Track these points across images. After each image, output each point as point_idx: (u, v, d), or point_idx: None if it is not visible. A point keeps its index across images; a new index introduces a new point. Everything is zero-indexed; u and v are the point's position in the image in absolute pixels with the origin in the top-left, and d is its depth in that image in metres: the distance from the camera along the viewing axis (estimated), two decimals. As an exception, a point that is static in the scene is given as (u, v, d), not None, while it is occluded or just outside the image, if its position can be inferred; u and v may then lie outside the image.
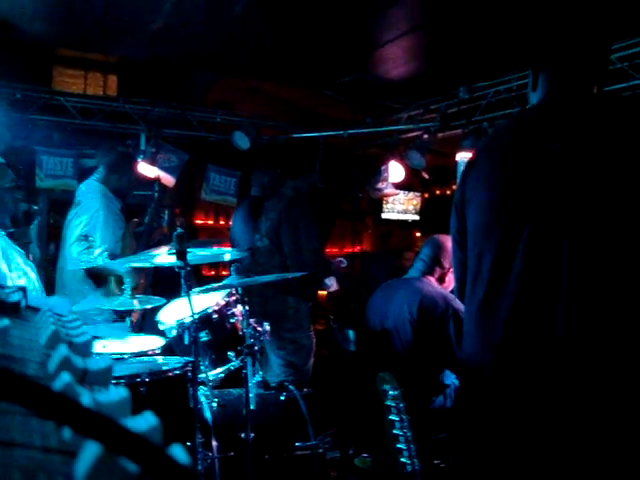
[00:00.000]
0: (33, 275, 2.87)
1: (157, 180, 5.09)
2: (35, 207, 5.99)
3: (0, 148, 4.76)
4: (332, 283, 4.45)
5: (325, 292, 4.53)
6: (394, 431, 1.98)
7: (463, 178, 1.98)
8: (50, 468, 0.39)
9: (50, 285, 4.74)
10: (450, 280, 3.33)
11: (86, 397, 0.48)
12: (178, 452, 0.38)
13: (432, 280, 3.35)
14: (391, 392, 2.00)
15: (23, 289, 1.17)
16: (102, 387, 0.62)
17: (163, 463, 0.36)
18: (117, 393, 0.52)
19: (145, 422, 0.43)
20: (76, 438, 0.45)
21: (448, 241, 3.36)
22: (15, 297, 1.10)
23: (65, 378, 0.53)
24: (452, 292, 3.31)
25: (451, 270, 3.31)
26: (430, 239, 3.48)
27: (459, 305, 3.09)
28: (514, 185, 1.79)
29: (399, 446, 1.98)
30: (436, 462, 3.07)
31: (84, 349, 0.78)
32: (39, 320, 1.00)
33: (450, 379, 3.33)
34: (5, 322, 0.70)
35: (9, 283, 2.57)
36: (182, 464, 0.36)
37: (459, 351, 2.04)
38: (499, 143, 1.96)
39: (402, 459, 1.99)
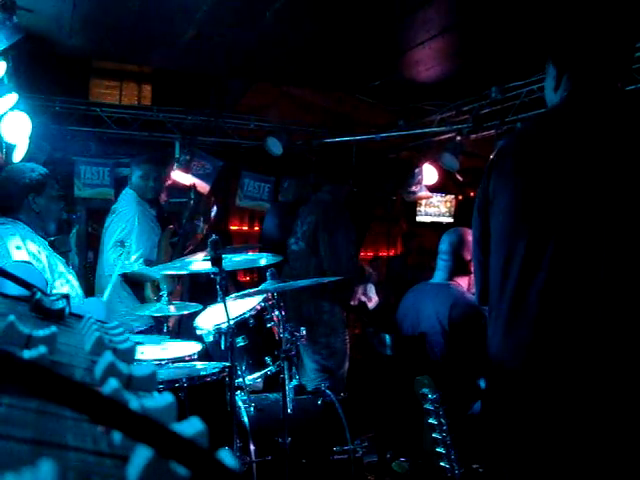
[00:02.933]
0: (75, 282, 2.92)
1: (193, 187, 5.14)
2: (74, 216, 6.13)
3: (41, 159, 4.88)
4: (372, 296, 4.39)
5: (366, 302, 4.45)
6: (433, 435, 1.97)
7: (485, 180, 1.95)
8: (103, 471, 0.40)
9: (90, 292, 4.84)
10: None
11: (134, 402, 0.49)
12: (226, 456, 0.38)
13: (461, 284, 3.30)
14: (430, 396, 1.99)
15: (67, 296, 1.20)
16: (147, 393, 0.63)
17: (213, 467, 0.36)
18: (163, 398, 0.53)
19: (192, 427, 0.43)
20: (125, 442, 0.46)
21: (465, 232, 3.33)
22: (60, 304, 1.12)
23: (113, 384, 0.54)
24: None
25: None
26: (444, 235, 3.43)
27: None
28: (540, 186, 1.76)
29: (438, 450, 1.96)
30: (475, 467, 3.04)
31: (128, 355, 0.80)
32: (83, 327, 1.02)
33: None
34: (52, 329, 0.72)
35: (53, 291, 2.62)
36: (231, 468, 0.37)
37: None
38: (522, 144, 1.93)
39: (442, 463, 1.97)
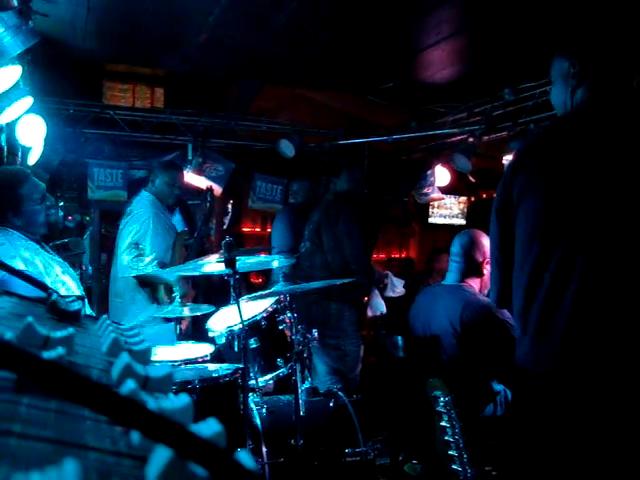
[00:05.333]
0: (72, 283, 2.87)
1: (210, 190, 5.15)
2: (87, 218, 6.17)
3: (55, 161, 4.93)
4: (398, 286, 4.40)
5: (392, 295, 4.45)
6: (445, 438, 1.96)
7: (508, 183, 1.92)
8: (122, 471, 0.40)
9: (104, 294, 4.87)
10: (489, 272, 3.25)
11: (151, 403, 0.50)
12: (244, 457, 0.39)
13: (472, 285, 3.28)
14: (442, 398, 1.98)
15: (82, 298, 1.21)
16: (163, 394, 0.63)
17: (231, 468, 0.37)
18: (180, 400, 0.53)
19: (210, 428, 0.44)
20: (143, 443, 0.46)
21: (477, 234, 3.30)
22: (75, 306, 1.13)
23: (130, 385, 0.55)
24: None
25: (487, 261, 3.23)
26: (457, 236, 3.40)
27: (504, 315, 3.03)
28: (569, 192, 1.75)
29: (451, 453, 1.96)
30: (487, 469, 3.02)
31: (144, 357, 0.80)
32: (99, 328, 1.03)
33: (500, 386, 3.27)
34: (70, 330, 0.73)
35: None
36: (249, 469, 0.37)
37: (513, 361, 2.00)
38: (548, 148, 1.91)
39: (454, 466, 1.96)
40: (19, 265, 2.56)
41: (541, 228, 1.80)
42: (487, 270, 3.25)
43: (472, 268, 3.27)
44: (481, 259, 3.25)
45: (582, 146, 1.77)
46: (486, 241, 3.25)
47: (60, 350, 0.61)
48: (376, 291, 4.43)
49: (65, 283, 2.77)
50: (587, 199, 1.70)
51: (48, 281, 2.65)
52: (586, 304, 1.67)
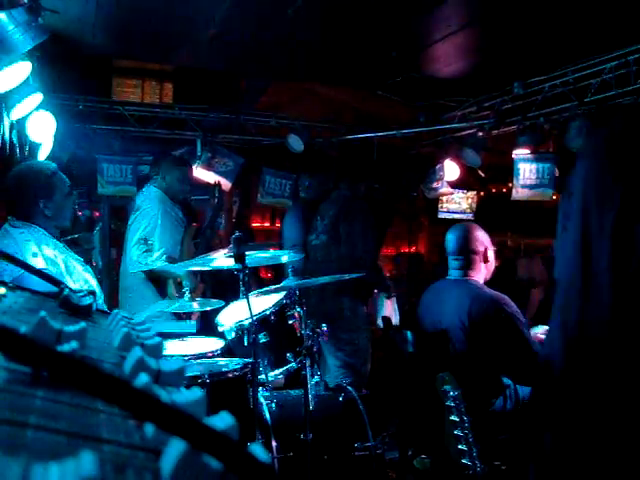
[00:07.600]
0: (93, 281, 2.90)
1: (218, 185, 5.16)
2: (97, 213, 6.19)
3: (64, 157, 4.95)
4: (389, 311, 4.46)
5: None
6: (455, 432, 1.96)
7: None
8: (137, 464, 0.41)
9: (114, 289, 4.89)
10: (493, 257, 3.30)
11: (165, 397, 0.50)
12: (258, 450, 0.39)
13: (478, 278, 3.29)
14: (451, 393, 1.98)
15: (93, 293, 1.22)
16: (175, 388, 0.64)
17: (245, 460, 0.37)
18: (193, 393, 0.54)
19: (223, 421, 0.44)
20: (157, 436, 0.47)
21: (469, 227, 3.33)
22: (87, 301, 1.14)
23: (143, 378, 0.56)
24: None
25: (488, 248, 3.26)
26: (449, 234, 3.40)
27: (512, 307, 3.03)
28: (602, 177, 1.76)
29: (460, 447, 1.96)
30: (497, 464, 3.02)
31: (156, 351, 0.81)
32: (110, 323, 1.04)
33: (509, 380, 3.27)
34: (82, 325, 0.74)
35: None
36: (263, 462, 0.37)
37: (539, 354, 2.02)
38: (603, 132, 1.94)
39: (463, 460, 1.96)
40: (40, 264, 2.58)
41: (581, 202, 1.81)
42: (490, 257, 3.27)
43: (474, 261, 3.28)
44: (482, 248, 3.26)
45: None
46: (479, 231, 3.27)
47: (73, 344, 0.62)
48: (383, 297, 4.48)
49: (87, 281, 2.81)
50: None
51: (70, 280, 2.67)
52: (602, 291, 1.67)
